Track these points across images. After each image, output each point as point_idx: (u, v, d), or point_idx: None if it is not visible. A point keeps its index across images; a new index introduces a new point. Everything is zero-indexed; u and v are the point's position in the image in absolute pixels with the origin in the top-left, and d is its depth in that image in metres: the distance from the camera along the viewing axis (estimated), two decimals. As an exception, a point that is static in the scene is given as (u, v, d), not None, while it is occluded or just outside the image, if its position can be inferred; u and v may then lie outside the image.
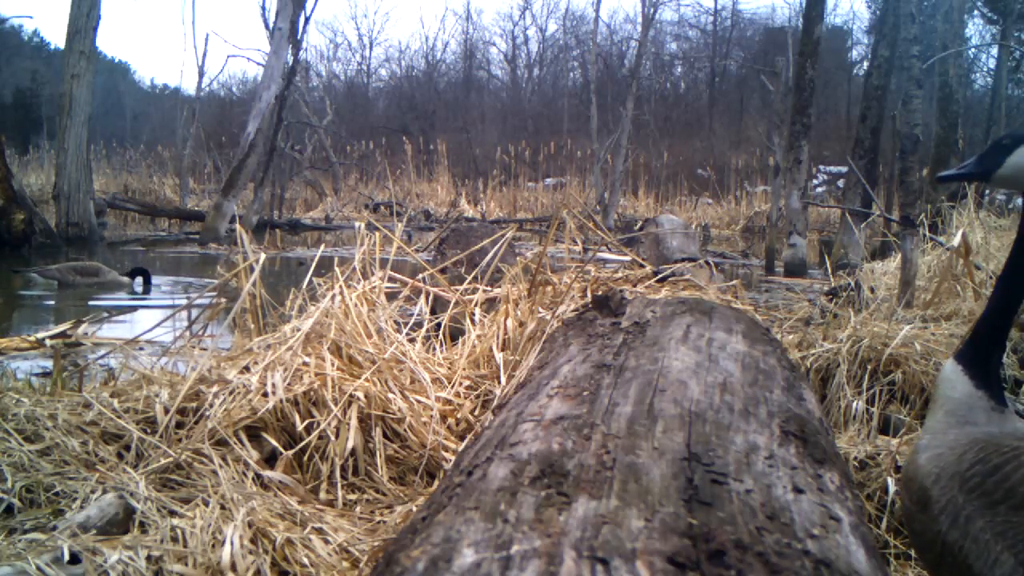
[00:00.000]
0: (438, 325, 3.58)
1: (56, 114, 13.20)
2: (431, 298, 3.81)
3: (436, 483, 2.54)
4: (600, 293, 2.67)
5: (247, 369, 2.77)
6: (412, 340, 3.29)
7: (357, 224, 4.09)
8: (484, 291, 3.73)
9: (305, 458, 2.51)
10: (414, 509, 2.32)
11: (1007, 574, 1.54)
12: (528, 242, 13.55)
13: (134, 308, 6.71)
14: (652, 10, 20.88)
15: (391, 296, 3.48)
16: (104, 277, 7.49)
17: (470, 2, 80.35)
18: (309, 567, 1.95)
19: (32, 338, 4.75)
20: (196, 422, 2.53)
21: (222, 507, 2.05)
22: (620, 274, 3.94)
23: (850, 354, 3.21)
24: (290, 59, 14.86)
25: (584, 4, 54.76)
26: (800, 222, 10.16)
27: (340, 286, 3.09)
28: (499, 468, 1.10)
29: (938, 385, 1.62)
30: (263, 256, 3.31)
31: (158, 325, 3.42)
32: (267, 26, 18.44)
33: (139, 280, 7.51)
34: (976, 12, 22.33)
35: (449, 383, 3.09)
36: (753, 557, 0.86)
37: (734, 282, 4.18)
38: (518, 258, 4.24)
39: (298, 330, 2.86)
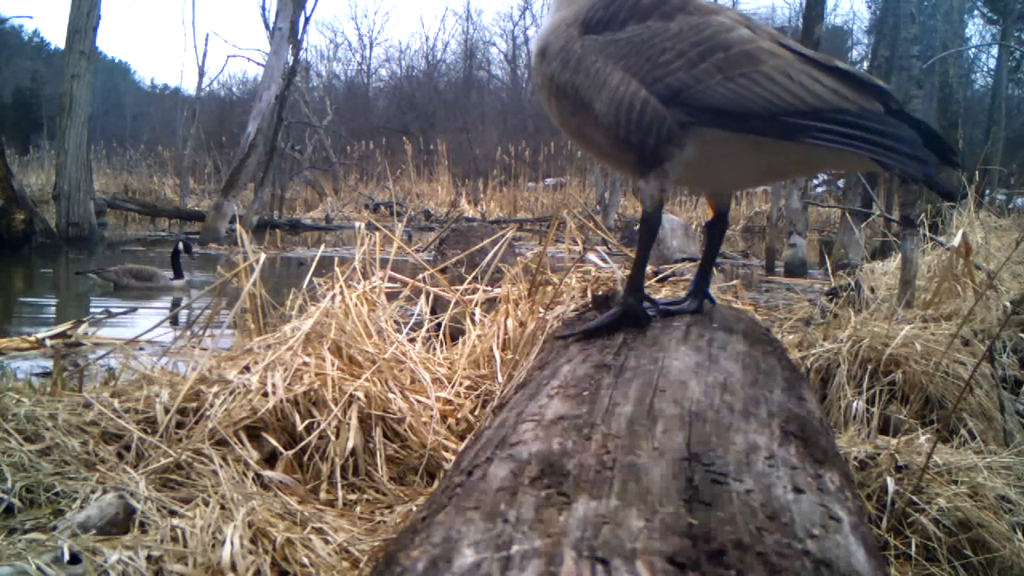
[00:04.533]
0: (438, 325, 3.58)
1: (56, 114, 13.21)
2: (431, 298, 3.81)
3: (436, 483, 2.54)
4: (600, 293, 2.67)
5: (247, 369, 2.77)
6: (412, 340, 3.29)
7: (357, 224, 4.10)
8: (484, 291, 3.72)
9: (305, 458, 2.51)
10: (414, 509, 2.32)
11: (615, 86, 1.75)
12: (528, 242, 13.55)
13: (134, 308, 6.71)
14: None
15: (391, 296, 3.48)
16: (157, 282, 7.72)
17: (470, 2, 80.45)
18: (309, 567, 1.95)
19: (32, 338, 4.75)
20: (196, 422, 2.53)
21: (222, 507, 2.05)
22: (620, 274, 3.93)
23: (850, 354, 3.21)
24: (290, 59, 14.86)
25: (584, 4, 54.62)
26: (800, 222, 10.16)
27: (340, 286, 3.09)
28: (499, 468, 1.10)
29: None
30: (263, 256, 3.31)
31: (158, 325, 3.43)
32: (267, 26, 18.49)
33: (181, 246, 7.99)
34: (976, 12, 22.34)
35: (449, 383, 3.08)
36: (753, 557, 0.86)
37: (734, 282, 4.18)
38: (518, 258, 4.24)
39: (298, 330, 2.86)
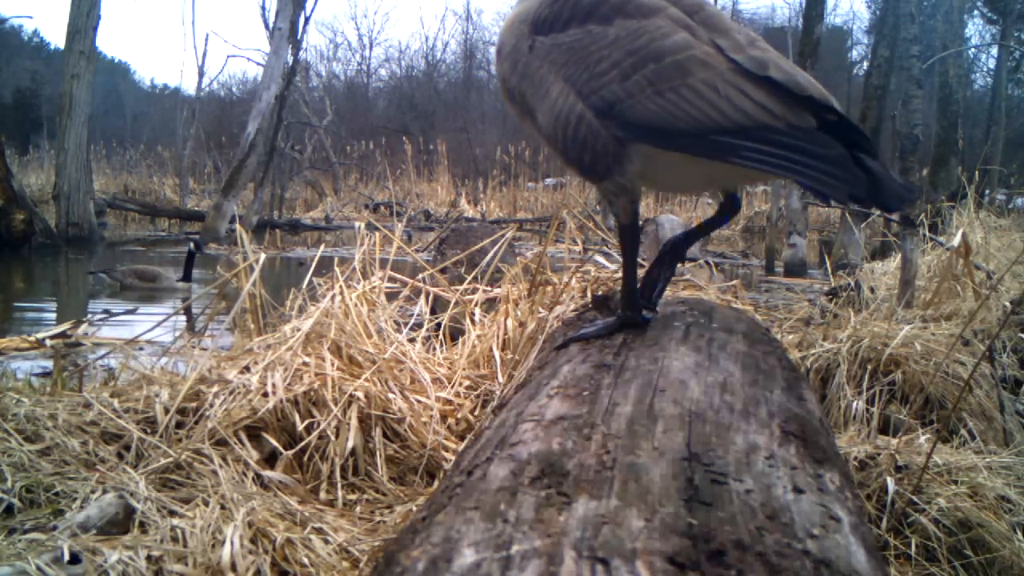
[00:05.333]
0: (438, 325, 3.58)
1: (56, 114, 13.21)
2: (431, 298, 3.81)
3: (436, 483, 2.54)
4: (600, 293, 2.67)
5: (247, 369, 2.77)
6: (412, 340, 3.29)
7: (357, 224, 4.10)
8: (484, 291, 3.73)
9: (305, 458, 2.51)
10: (414, 509, 2.32)
11: (554, 98, 1.75)
12: (528, 242, 13.54)
13: (134, 308, 6.71)
14: (652, 10, 20.82)
15: (391, 296, 3.48)
16: (160, 283, 7.73)
17: (470, 2, 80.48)
18: (309, 567, 1.95)
19: (32, 338, 4.75)
20: (196, 422, 2.53)
21: (222, 507, 2.05)
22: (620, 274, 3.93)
23: (850, 354, 3.21)
24: (290, 59, 14.86)
25: (584, 4, 54.67)
26: (800, 222, 10.16)
27: (340, 286, 3.09)
28: (499, 468, 1.10)
29: None
30: (263, 256, 3.32)
31: (158, 325, 3.43)
32: (267, 26, 18.47)
33: (192, 245, 8.02)
34: (976, 12, 22.36)
35: (449, 383, 3.08)
36: (753, 557, 0.86)
37: (734, 282, 4.19)
38: (518, 258, 4.24)
39: (298, 330, 2.86)
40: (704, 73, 1.59)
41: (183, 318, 5.52)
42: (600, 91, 1.67)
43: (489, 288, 3.77)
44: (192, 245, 7.95)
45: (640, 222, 1.90)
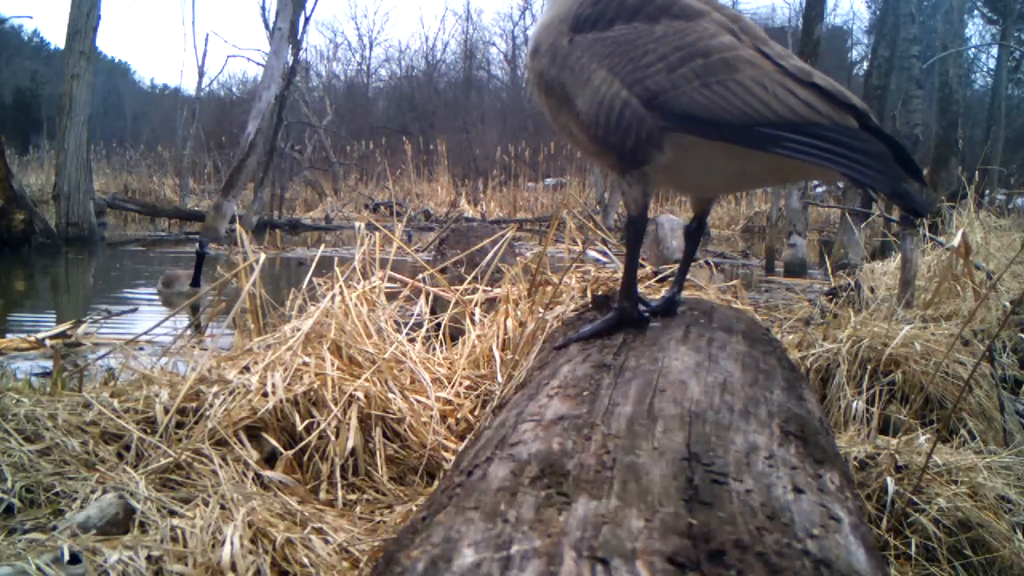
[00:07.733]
0: (438, 325, 3.58)
1: (56, 114, 13.21)
2: (431, 298, 3.81)
3: (436, 483, 2.54)
4: (600, 293, 2.68)
5: (247, 369, 2.77)
6: (412, 340, 3.29)
7: (357, 224, 4.11)
8: (484, 291, 3.73)
9: (305, 458, 2.51)
10: (414, 509, 2.32)
11: (597, 85, 1.76)
12: (528, 242, 13.54)
13: (135, 308, 6.71)
14: (652, 10, 20.82)
15: (391, 296, 3.48)
16: (174, 287, 7.75)
17: (470, 2, 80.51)
18: (309, 567, 1.95)
19: (32, 338, 4.76)
20: (196, 422, 2.53)
21: (222, 507, 2.05)
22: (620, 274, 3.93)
23: (850, 354, 3.21)
24: (290, 59, 14.85)
25: (584, 4, 54.66)
26: (800, 222, 10.16)
27: (340, 286, 3.09)
28: (499, 468, 1.10)
29: None
30: (263, 256, 3.32)
31: (158, 325, 3.43)
32: (267, 26, 18.49)
33: (198, 246, 8.02)
34: (976, 12, 22.37)
35: (449, 383, 3.09)
36: (753, 557, 0.86)
37: (734, 282, 4.19)
38: (518, 258, 4.24)
39: (298, 330, 2.86)
40: (752, 70, 1.64)
41: (182, 318, 5.51)
42: (644, 81, 1.70)
43: (489, 288, 3.77)
44: (199, 246, 7.92)
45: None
